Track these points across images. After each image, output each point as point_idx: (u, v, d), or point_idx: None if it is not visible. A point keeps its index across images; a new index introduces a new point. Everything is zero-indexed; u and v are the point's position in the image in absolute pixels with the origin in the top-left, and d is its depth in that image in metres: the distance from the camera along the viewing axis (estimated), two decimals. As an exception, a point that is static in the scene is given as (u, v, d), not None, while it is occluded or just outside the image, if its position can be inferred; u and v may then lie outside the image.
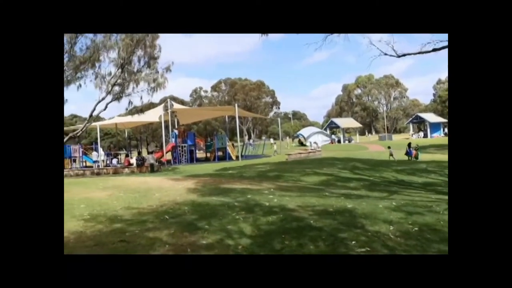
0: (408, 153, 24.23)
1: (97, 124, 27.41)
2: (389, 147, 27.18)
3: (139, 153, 29.75)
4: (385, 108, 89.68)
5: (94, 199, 8.99)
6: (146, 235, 5.44)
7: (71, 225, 6.21)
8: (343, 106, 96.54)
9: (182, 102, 58.92)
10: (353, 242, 4.91)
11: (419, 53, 11.18)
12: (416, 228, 5.56)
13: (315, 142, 43.17)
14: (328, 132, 57.50)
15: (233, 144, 32.23)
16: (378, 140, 54.74)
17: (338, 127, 57.84)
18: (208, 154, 32.10)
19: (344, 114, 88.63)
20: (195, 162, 28.39)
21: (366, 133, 61.70)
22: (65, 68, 20.43)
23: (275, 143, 40.52)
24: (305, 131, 56.40)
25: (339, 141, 53.52)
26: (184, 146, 28.55)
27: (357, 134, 60.13)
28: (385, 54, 12.17)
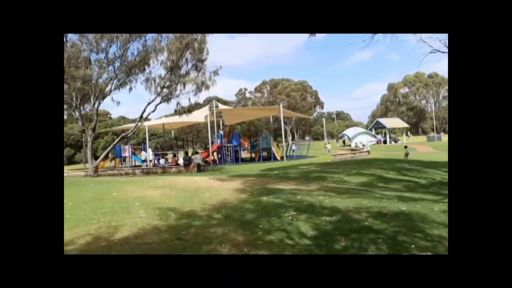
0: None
1: (146, 124, 28.27)
2: (405, 147, 26.62)
3: (186, 153, 30.42)
4: (433, 108, 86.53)
5: (147, 197, 9.26)
6: (202, 233, 5.55)
7: (129, 222, 6.43)
8: (388, 105, 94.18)
9: (225, 103, 59.61)
10: (413, 246, 4.77)
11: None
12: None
13: (361, 143, 42.34)
14: (373, 132, 56.29)
15: (277, 145, 32.23)
16: (426, 141, 52.93)
17: (384, 127, 56.52)
18: (253, 154, 32.30)
19: (389, 114, 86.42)
20: (240, 162, 28.65)
21: (408, 133, 59.59)
22: (117, 72, 21.30)
23: (329, 142, 40.14)
24: (349, 132, 55.58)
25: (384, 142, 52.28)
26: (230, 147, 28.87)
27: (404, 135, 58.42)
28: (437, 51, 11.72)
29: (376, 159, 23.38)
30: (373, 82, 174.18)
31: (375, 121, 63.10)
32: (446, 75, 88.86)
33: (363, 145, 40.37)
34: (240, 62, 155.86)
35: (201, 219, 6.52)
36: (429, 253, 4.47)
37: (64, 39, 18.91)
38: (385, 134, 56.57)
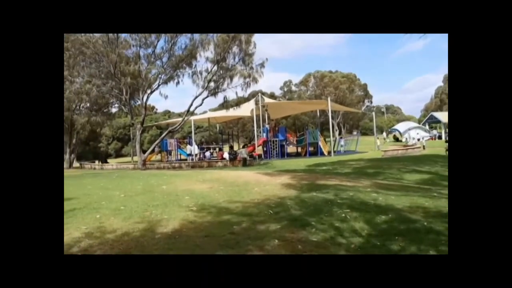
0: None
1: (191, 118, 28.87)
2: (446, 141, 25.55)
3: (231, 147, 30.79)
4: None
5: (196, 191, 9.46)
6: (254, 228, 5.60)
7: (181, 215, 6.60)
8: (443, 98, 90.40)
9: (271, 96, 59.63)
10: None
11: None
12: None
13: (417, 138, 41.02)
14: (427, 127, 54.30)
15: (324, 139, 31.90)
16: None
17: (439, 121, 54.34)
18: (299, 149, 32.18)
19: (445, 107, 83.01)
20: (286, 157, 28.64)
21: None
22: (164, 66, 21.86)
23: (377, 137, 39.41)
24: (400, 126, 54.08)
25: (439, 137, 50.33)
26: (276, 141, 28.90)
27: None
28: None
29: (431, 155, 22.59)
30: (426, 74, 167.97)
31: (429, 115, 60.84)
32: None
33: (418, 140, 39.04)
34: (283, 55, 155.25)
35: (252, 213, 6.58)
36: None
37: (116, 35, 19.60)
38: (440, 128, 54.45)
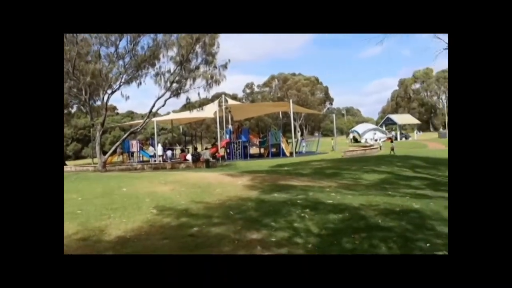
0: None
1: (154, 120, 28.35)
2: (391, 141, 26.70)
3: (195, 148, 30.51)
4: (445, 104, 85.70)
5: (158, 193, 9.29)
6: (214, 230, 5.55)
7: (140, 218, 6.46)
8: (399, 101, 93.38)
9: (234, 98, 59.61)
10: (428, 245, 4.73)
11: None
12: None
13: (373, 139, 42.08)
14: (384, 128, 55.93)
15: (287, 141, 32.17)
16: (437, 137, 52.48)
17: (394, 123, 56.12)
18: (262, 150, 32.30)
19: (400, 110, 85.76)
20: (249, 158, 28.67)
21: (416, 131, 58.85)
22: (126, 66, 21.36)
23: (332, 138, 40.15)
24: (360, 128, 55.36)
25: (395, 138, 51.99)
26: (238, 142, 28.89)
27: (415, 131, 57.98)
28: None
29: (388, 156, 23.24)
30: (384, 78, 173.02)
31: (385, 117, 62.68)
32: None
33: (376, 141, 40.09)
34: (248, 57, 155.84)
35: (212, 215, 6.53)
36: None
37: (74, 34, 19.00)
38: (396, 130, 56.19)
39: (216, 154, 26.81)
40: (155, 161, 28.72)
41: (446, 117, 73.01)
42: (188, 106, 23.64)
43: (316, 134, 61.95)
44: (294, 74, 78.37)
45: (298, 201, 7.55)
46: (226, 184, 10.49)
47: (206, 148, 29.50)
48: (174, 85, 20.95)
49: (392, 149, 27.84)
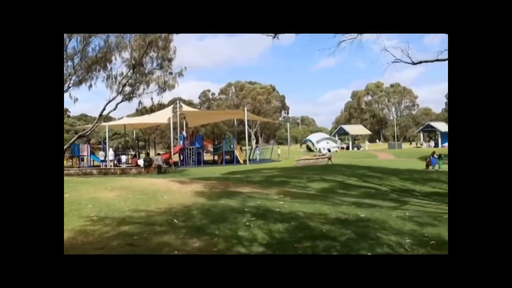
0: (431, 163, 23.15)
1: (106, 124, 27.44)
2: (329, 150, 27.85)
3: (147, 154, 29.78)
4: (394, 116, 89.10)
5: (102, 199, 8.90)
6: (155, 239, 5.32)
7: (79, 226, 6.11)
8: (352, 112, 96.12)
9: (190, 104, 58.99)
10: (369, 254, 4.75)
11: (436, 60, 10.94)
12: (433, 242, 5.38)
13: (328, 149, 42.84)
14: (336, 138, 57.23)
15: (241, 148, 32.11)
16: (387, 148, 54.29)
17: (347, 133, 57.58)
18: (216, 157, 32.04)
19: (353, 120, 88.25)
20: (202, 164, 28.33)
21: (367, 141, 60.67)
22: (77, 67, 20.53)
23: (278, 147, 40.44)
24: (313, 137, 56.22)
25: (347, 148, 53.28)
26: (192, 149, 28.49)
27: (366, 142, 59.72)
28: (400, 61, 11.97)
29: (338, 165, 23.69)
30: (338, 89, 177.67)
31: (338, 127, 64.19)
32: (408, 85, 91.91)
33: (329, 150, 40.83)
34: (207, 64, 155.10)
35: (156, 223, 6.29)
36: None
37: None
38: (348, 140, 57.62)
39: (169, 160, 26.29)
40: (105, 166, 27.72)
41: (396, 129, 75.80)
42: (142, 110, 23.04)
43: (271, 142, 62.32)
44: (251, 82, 78.76)
45: (246, 209, 7.44)
46: (175, 191, 10.22)
47: (159, 154, 28.85)
48: (127, 88, 20.33)
49: (330, 158, 28.63)
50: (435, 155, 23.62)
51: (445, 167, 22.38)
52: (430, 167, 22.62)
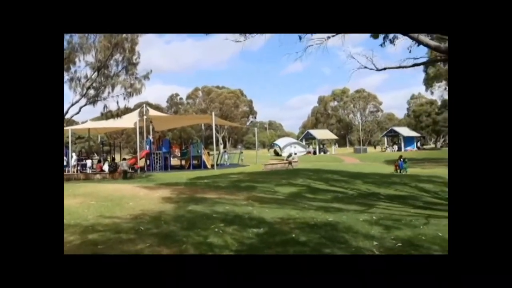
0: (399, 166, 23.63)
1: (69, 128, 26.59)
2: (289, 156, 28.56)
3: (113, 159, 29.04)
4: (359, 121, 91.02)
5: (64, 206, 8.55)
6: (120, 248, 5.15)
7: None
8: (318, 117, 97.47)
9: (157, 107, 58.13)
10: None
11: (399, 67, 11.23)
12: (400, 244, 5.47)
13: (294, 153, 43.13)
14: (304, 143, 57.80)
15: (208, 153, 31.85)
16: (353, 152, 55.31)
17: (314, 138, 58.25)
18: (183, 162, 31.64)
19: (319, 125, 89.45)
20: (169, 169, 27.88)
21: (333, 146, 61.69)
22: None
23: (241, 152, 40.22)
24: (281, 142, 56.53)
25: (314, 153, 53.88)
26: (159, 153, 28.01)
27: (333, 146, 60.62)
28: (365, 67, 12.19)
29: (305, 169, 23.90)
30: (305, 94, 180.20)
31: (306, 132, 64.85)
32: (372, 91, 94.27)
33: (295, 155, 41.12)
34: (175, 68, 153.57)
35: (121, 231, 6.10)
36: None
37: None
38: (315, 144, 58.31)
39: (135, 165, 25.74)
40: (68, 171, 26.83)
41: (361, 134, 77.39)
42: (107, 114, 22.46)
43: (239, 146, 62.27)
44: (218, 87, 78.50)
45: (214, 215, 7.35)
46: (141, 197, 9.98)
47: (124, 159, 28.21)
48: (91, 91, 19.79)
49: (290, 163, 28.93)
50: (401, 159, 24.18)
51: (409, 170, 23.26)
52: (399, 171, 23.19)
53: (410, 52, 11.44)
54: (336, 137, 65.60)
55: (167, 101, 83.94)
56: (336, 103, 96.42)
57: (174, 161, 32.53)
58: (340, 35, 11.17)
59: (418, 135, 57.91)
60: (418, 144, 55.97)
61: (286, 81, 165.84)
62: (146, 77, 20.16)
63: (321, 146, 57.77)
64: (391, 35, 10.98)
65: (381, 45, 11.43)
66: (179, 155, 31.70)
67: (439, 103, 60.95)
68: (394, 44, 11.31)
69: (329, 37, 11.57)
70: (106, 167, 24.00)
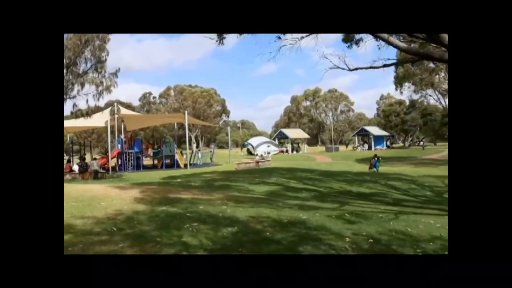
0: (374, 165, 23.89)
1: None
2: (257, 155, 28.72)
3: (83, 158, 28.37)
4: (331, 120, 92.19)
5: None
6: (92, 249, 5.03)
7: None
8: (291, 117, 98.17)
9: (129, 106, 57.16)
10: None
11: (370, 67, 11.44)
12: (371, 240, 5.58)
13: (267, 152, 43.25)
14: (276, 142, 58.11)
15: (181, 152, 31.57)
16: (324, 151, 55.96)
17: (287, 137, 58.65)
18: (156, 162, 31.25)
19: (292, 125, 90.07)
20: (141, 169, 27.49)
21: (305, 145, 62.25)
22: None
23: (211, 151, 39.98)
24: (254, 141, 56.65)
25: (287, 151, 54.24)
26: (131, 153, 27.56)
27: (305, 145, 61.19)
28: (337, 67, 12.36)
29: (278, 168, 24.03)
30: (278, 94, 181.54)
31: (278, 131, 65.20)
32: (344, 91, 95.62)
33: (268, 153, 41.29)
34: (147, 66, 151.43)
35: (92, 232, 5.95)
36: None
37: None
38: (287, 143, 58.69)
39: (106, 165, 25.24)
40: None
41: (333, 133, 78.36)
42: (77, 113, 21.90)
43: (212, 146, 61.98)
44: (191, 86, 77.89)
45: (188, 214, 7.29)
46: (113, 197, 9.78)
47: (95, 159, 27.60)
48: (60, 90, 19.24)
49: (258, 162, 29.11)
50: (376, 158, 24.45)
51: (380, 168, 23.64)
52: (374, 169, 23.48)
53: (379, 49, 11.65)
54: (308, 136, 66.24)
55: (139, 100, 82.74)
56: (308, 103, 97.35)
57: (146, 161, 32.10)
58: (313, 35, 11.29)
59: (388, 134, 59.15)
60: (388, 143, 57.17)
61: (260, 81, 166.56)
62: (115, 74, 19.76)
63: (296, 145, 58.18)
64: (357, 36, 11.16)
65: (348, 46, 11.60)
66: (152, 154, 31.32)
67: (408, 103, 62.38)
68: (358, 46, 11.50)
69: (302, 37, 11.68)
70: (76, 167, 23.40)
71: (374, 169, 23.47)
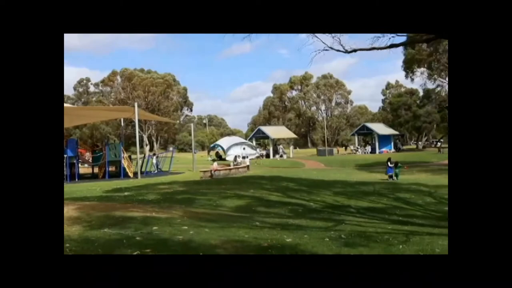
0: (389, 172, 23.33)
1: None
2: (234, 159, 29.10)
3: None
4: (324, 115, 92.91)
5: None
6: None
7: None
8: (272, 111, 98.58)
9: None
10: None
11: (372, 48, 11.53)
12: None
13: (243, 156, 43.16)
14: (254, 143, 57.82)
15: (130, 157, 31.28)
16: (316, 155, 56.31)
17: (267, 137, 58.33)
18: (96, 169, 30.92)
19: (274, 121, 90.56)
20: (77, 179, 27.12)
21: (292, 147, 62.50)
22: None
23: (152, 155, 38.33)
24: (224, 142, 56.47)
25: (267, 156, 54.10)
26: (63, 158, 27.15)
27: (291, 147, 61.28)
28: (331, 48, 12.43)
29: (257, 177, 24.11)
30: (255, 82, 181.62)
31: (256, 129, 64.91)
32: (340, 77, 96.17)
33: (244, 158, 41.24)
34: (86, 45, 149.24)
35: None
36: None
37: None
38: (268, 145, 58.68)
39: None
40: None
41: (326, 131, 79.07)
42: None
43: (171, 148, 61.57)
44: (143, 71, 77.21)
45: (138, 238, 7.22)
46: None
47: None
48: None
49: (231, 169, 29.57)
50: (390, 163, 23.67)
51: (400, 177, 23.05)
52: (392, 178, 22.98)
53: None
54: (295, 136, 66.58)
55: (74, 88, 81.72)
56: (295, 92, 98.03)
57: (83, 169, 31.71)
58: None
59: (396, 133, 59.67)
60: (396, 145, 57.78)
61: (231, 64, 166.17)
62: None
63: (280, 148, 58.08)
64: None
65: None
66: (90, 160, 30.94)
67: (421, 93, 63.12)
68: None
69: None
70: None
71: (393, 178, 22.88)
